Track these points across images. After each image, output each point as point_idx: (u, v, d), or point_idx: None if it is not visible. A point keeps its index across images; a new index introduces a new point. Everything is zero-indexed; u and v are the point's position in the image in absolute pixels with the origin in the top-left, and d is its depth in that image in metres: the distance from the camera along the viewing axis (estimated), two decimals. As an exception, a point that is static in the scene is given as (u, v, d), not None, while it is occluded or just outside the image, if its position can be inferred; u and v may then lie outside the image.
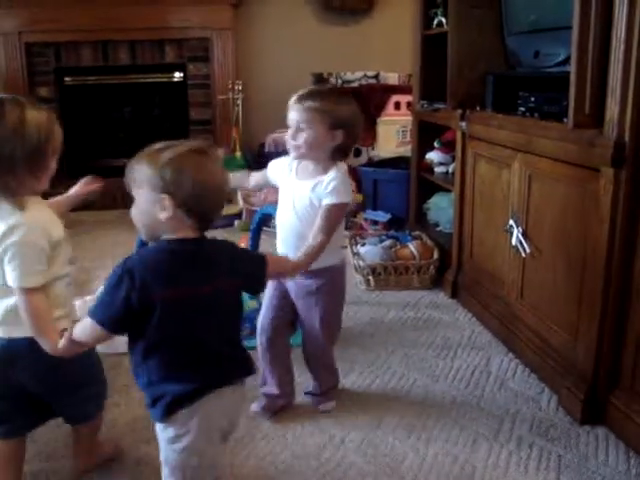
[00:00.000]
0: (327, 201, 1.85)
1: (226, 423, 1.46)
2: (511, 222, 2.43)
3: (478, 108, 2.84)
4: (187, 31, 5.18)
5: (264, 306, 2.10)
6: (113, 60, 5.22)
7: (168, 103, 5.46)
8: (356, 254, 3.27)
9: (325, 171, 1.89)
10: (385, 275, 3.15)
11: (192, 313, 1.35)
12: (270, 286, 2.06)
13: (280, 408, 2.10)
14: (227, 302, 1.43)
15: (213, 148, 1.45)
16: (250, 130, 5.17)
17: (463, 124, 2.86)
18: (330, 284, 2.01)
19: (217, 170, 1.39)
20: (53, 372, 1.56)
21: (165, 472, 1.43)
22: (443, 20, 3.41)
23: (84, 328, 1.37)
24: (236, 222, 4.23)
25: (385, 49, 5.34)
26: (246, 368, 1.49)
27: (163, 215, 1.33)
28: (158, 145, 1.39)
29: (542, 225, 2.26)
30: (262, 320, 2.09)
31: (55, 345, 1.42)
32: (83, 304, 2.93)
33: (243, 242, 3.39)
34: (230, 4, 5.15)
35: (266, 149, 5.08)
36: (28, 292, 1.46)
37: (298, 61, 5.23)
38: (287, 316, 2.08)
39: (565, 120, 2.08)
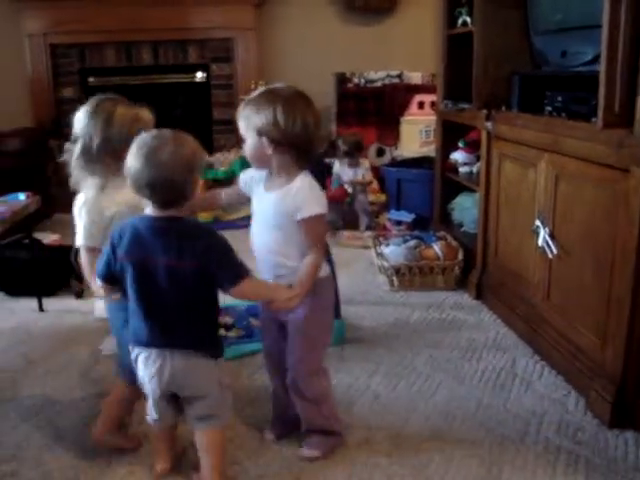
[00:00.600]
0: (301, 215, 1.68)
1: (165, 379, 1.66)
2: (537, 223, 2.41)
3: (504, 108, 2.81)
4: (210, 31, 5.21)
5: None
6: (136, 61, 5.27)
7: (191, 103, 5.48)
8: (380, 254, 3.26)
9: (289, 181, 1.71)
10: (409, 276, 3.14)
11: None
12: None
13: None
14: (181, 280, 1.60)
15: None
16: (273, 130, 5.17)
17: (489, 124, 2.84)
18: (316, 298, 1.78)
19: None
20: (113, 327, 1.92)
21: None
22: (468, 19, 3.39)
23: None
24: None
25: (408, 48, 5.32)
26: (186, 341, 1.65)
27: None
28: None
29: (569, 226, 2.24)
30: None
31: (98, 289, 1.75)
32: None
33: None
34: (253, 4, 5.17)
35: (289, 149, 5.07)
36: (83, 248, 1.82)
37: (321, 61, 5.23)
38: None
39: (593, 120, 2.05)
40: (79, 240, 1.83)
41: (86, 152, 1.82)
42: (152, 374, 1.68)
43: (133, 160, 1.56)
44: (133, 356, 1.71)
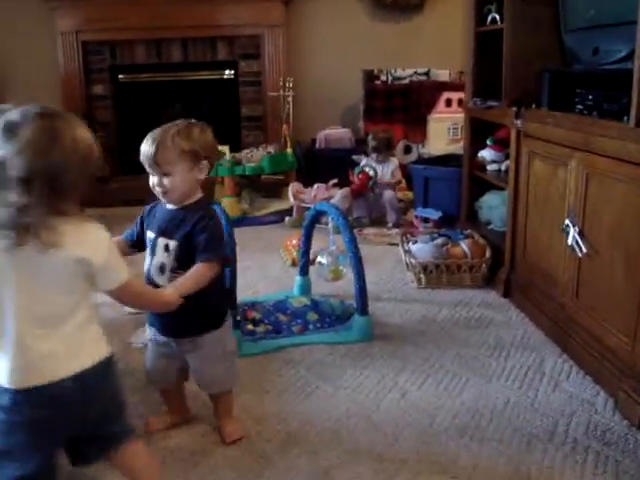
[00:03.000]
0: None
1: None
2: (567, 221, 2.40)
3: (533, 106, 2.80)
4: (239, 28, 5.24)
5: None
6: (166, 58, 5.31)
7: (219, 100, 5.51)
8: (407, 252, 3.26)
9: None
10: (437, 273, 3.14)
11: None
12: None
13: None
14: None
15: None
16: (301, 127, 5.19)
17: (518, 122, 2.82)
18: None
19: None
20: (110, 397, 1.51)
21: None
22: (497, 16, 3.37)
23: (200, 275, 1.74)
24: (287, 219, 4.26)
25: (436, 46, 5.31)
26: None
27: None
28: None
29: (600, 225, 2.23)
30: None
31: (168, 298, 1.66)
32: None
33: (295, 238, 3.43)
34: (281, 1, 5.19)
35: (317, 145, 5.10)
36: (126, 285, 1.44)
37: (349, 58, 5.24)
38: None
39: (625, 118, 2.04)
40: (124, 274, 1.44)
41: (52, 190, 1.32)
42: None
43: None
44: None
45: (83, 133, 1.37)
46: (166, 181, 1.78)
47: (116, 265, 1.43)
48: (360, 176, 4.25)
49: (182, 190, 1.80)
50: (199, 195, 1.86)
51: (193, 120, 1.87)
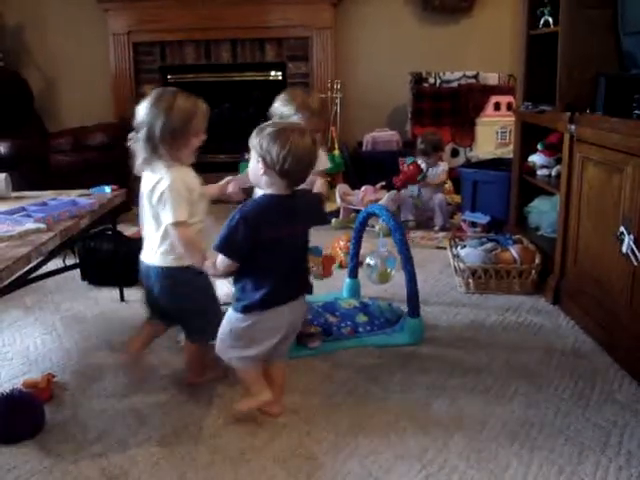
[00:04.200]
0: None
1: (289, 320, 2.03)
2: (622, 229, 2.36)
3: (588, 111, 2.75)
4: (287, 30, 5.27)
5: None
6: (215, 58, 5.38)
7: (267, 101, 5.53)
8: (456, 256, 3.24)
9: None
10: (485, 278, 3.11)
11: (279, 247, 1.93)
12: None
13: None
14: (301, 242, 2.04)
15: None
16: (348, 129, 5.20)
17: (572, 127, 2.78)
18: None
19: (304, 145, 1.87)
20: (170, 297, 2.15)
21: (224, 332, 2.04)
22: (550, 19, 3.33)
23: (221, 260, 1.94)
24: (333, 220, 4.27)
25: (485, 49, 5.28)
26: (305, 289, 2.09)
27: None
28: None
29: (657, 233, 2.19)
30: None
31: (204, 263, 2.01)
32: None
33: (344, 240, 3.44)
34: (331, 3, 5.20)
35: (364, 147, 5.10)
36: (178, 225, 2.01)
37: (397, 61, 5.23)
38: None
39: (686, 125, 2.00)
40: (175, 217, 2.01)
41: (149, 139, 2.01)
42: (280, 326, 2.01)
43: (285, 154, 1.85)
44: (246, 319, 1.98)
45: (184, 103, 2.03)
46: None
47: (168, 206, 2.01)
48: (411, 167, 4.24)
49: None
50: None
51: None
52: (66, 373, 2.41)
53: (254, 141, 1.90)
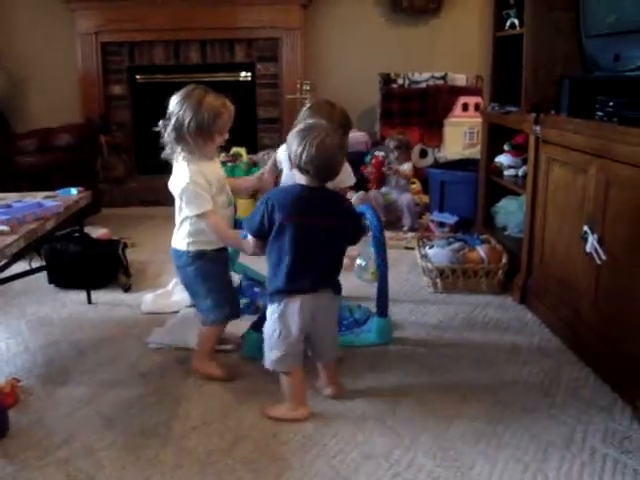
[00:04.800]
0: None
1: (309, 316, 2.04)
2: (586, 228, 2.39)
3: (553, 112, 2.79)
4: (257, 31, 5.26)
5: None
6: (184, 59, 5.35)
7: (236, 102, 5.52)
8: (424, 256, 3.26)
9: None
10: (453, 278, 3.14)
11: (296, 233, 1.98)
12: None
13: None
14: (324, 236, 2.03)
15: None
16: (317, 130, 5.19)
17: (537, 128, 2.82)
18: None
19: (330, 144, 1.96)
20: (185, 278, 2.34)
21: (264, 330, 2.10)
22: (516, 21, 3.37)
23: (249, 238, 2.09)
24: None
25: (453, 50, 5.32)
26: (331, 284, 2.10)
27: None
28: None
29: (619, 232, 2.22)
30: None
31: (239, 243, 2.19)
32: (154, 297, 3.03)
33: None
34: (300, 4, 5.20)
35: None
36: (205, 215, 2.17)
37: (366, 61, 5.25)
38: None
39: (647, 126, 2.03)
40: (200, 209, 2.17)
41: (177, 129, 2.15)
42: (300, 316, 2.02)
43: (305, 145, 1.94)
44: (276, 308, 2.04)
45: (213, 101, 2.16)
46: None
47: (189, 200, 2.17)
48: (373, 161, 4.28)
49: None
50: None
51: None
52: (31, 377, 2.37)
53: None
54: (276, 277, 2.04)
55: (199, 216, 2.18)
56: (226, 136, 2.25)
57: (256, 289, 2.89)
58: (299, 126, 2.03)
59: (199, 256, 2.25)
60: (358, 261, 2.97)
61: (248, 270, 2.95)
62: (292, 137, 2.00)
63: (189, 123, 2.13)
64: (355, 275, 3.07)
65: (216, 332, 2.38)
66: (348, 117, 2.50)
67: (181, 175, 2.19)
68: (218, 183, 2.24)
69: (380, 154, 4.41)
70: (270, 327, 2.07)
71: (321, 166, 1.97)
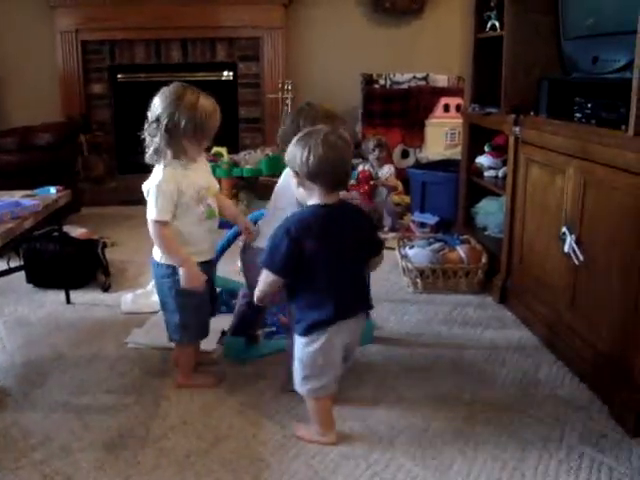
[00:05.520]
0: None
1: (348, 341, 1.91)
2: (564, 229, 2.41)
3: (532, 113, 2.81)
4: (238, 30, 5.26)
5: None
6: (165, 58, 5.33)
7: (218, 101, 5.51)
8: (404, 256, 3.27)
9: None
10: (433, 278, 3.15)
11: (329, 261, 1.82)
12: None
13: None
14: (355, 255, 1.89)
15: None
16: (299, 130, 5.19)
17: (516, 129, 2.84)
18: None
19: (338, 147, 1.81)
20: (160, 290, 2.20)
21: (296, 365, 1.91)
22: (496, 23, 3.39)
23: (265, 275, 1.85)
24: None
25: (435, 51, 5.34)
26: (366, 304, 1.99)
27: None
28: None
29: (597, 233, 2.24)
30: None
31: (186, 267, 2.07)
32: (133, 297, 3.01)
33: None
34: (281, 4, 5.20)
35: (314, 149, 5.09)
36: (157, 224, 2.06)
37: (348, 62, 5.25)
38: None
39: (624, 127, 2.05)
40: (154, 215, 2.06)
41: (170, 131, 2.03)
42: (341, 343, 1.89)
43: (310, 148, 1.79)
44: (316, 338, 1.84)
45: (204, 102, 2.06)
46: None
47: (151, 203, 2.06)
48: (360, 176, 4.25)
49: None
50: None
51: None
52: (8, 378, 2.35)
53: (285, 157, 1.89)
54: (319, 308, 1.83)
55: (153, 222, 2.06)
56: (211, 137, 2.16)
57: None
58: (295, 137, 1.86)
59: (176, 270, 2.11)
60: None
61: (229, 282, 2.92)
62: (293, 148, 1.84)
63: (186, 125, 2.02)
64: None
65: (187, 350, 2.28)
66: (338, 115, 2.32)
67: (153, 177, 2.09)
68: (196, 193, 2.10)
69: (366, 167, 4.34)
70: (309, 358, 1.86)
71: (333, 166, 1.80)
